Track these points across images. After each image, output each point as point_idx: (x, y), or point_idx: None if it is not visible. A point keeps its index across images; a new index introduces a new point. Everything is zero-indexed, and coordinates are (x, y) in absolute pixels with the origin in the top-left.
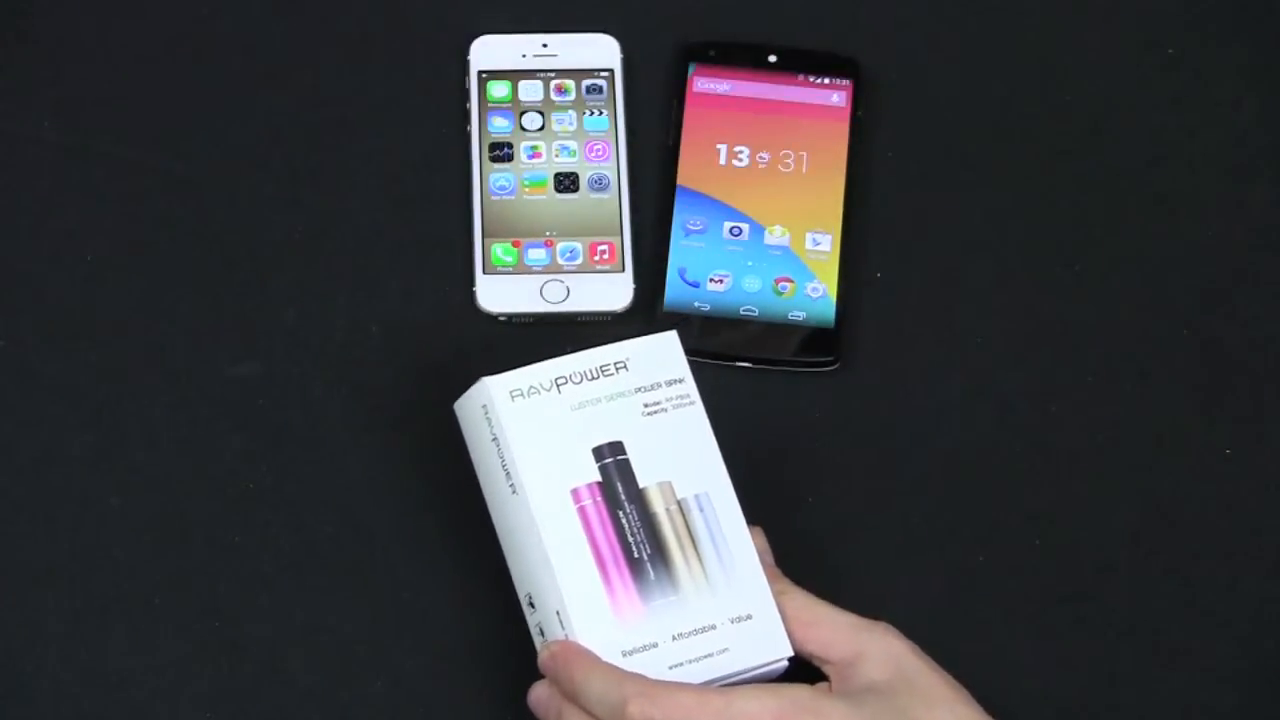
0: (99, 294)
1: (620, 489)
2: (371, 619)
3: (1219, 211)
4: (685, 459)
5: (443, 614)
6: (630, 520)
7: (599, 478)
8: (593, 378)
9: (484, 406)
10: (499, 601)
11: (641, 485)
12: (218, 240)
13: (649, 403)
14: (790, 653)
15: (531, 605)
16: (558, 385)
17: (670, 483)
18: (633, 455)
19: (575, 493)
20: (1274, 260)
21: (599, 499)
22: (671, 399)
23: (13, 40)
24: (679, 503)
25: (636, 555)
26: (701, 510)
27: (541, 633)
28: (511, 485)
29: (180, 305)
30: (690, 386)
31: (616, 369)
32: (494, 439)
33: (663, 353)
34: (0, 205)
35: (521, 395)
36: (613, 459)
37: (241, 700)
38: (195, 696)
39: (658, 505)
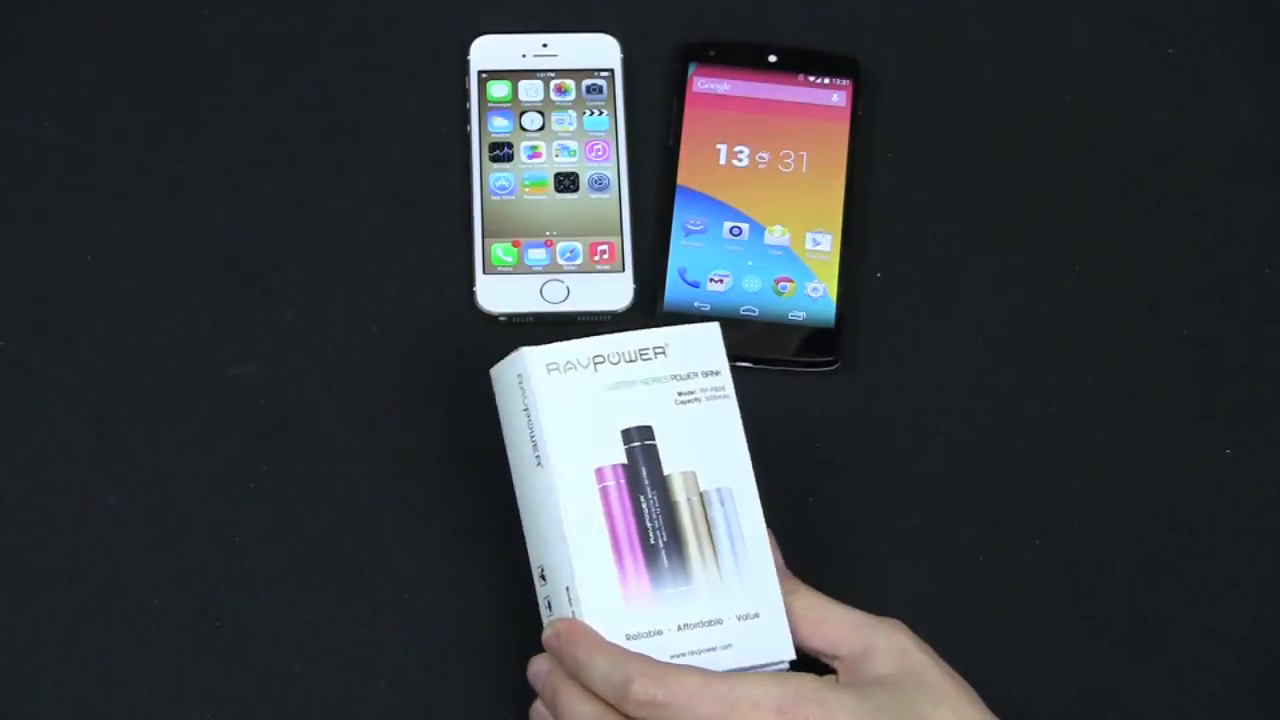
0: (99, 294)
1: (644, 474)
2: (371, 619)
3: (1219, 211)
4: (712, 451)
5: (443, 614)
6: (651, 506)
7: (624, 459)
8: (630, 360)
9: (519, 376)
10: (500, 601)
11: (666, 472)
12: (218, 240)
13: (683, 391)
14: (792, 656)
15: (543, 578)
16: (595, 363)
17: (694, 473)
18: (661, 442)
19: (599, 472)
20: (1274, 260)
21: (622, 481)
22: (706, 390)
23: (13, 40)
24: (701, 494)
25: (653, 541)
26: (722, 504)
27: (549, 606)
28: (538, 457)
29: (180, 305)
30: (726, 380)
31: (655, 354)
32: (525, 409)
33: (703, 343)
34: (0, 205)
35: (558, 370)
36: (640, 443)
37: (241, 700)
38: (195, 696)
39: (680, 494)
